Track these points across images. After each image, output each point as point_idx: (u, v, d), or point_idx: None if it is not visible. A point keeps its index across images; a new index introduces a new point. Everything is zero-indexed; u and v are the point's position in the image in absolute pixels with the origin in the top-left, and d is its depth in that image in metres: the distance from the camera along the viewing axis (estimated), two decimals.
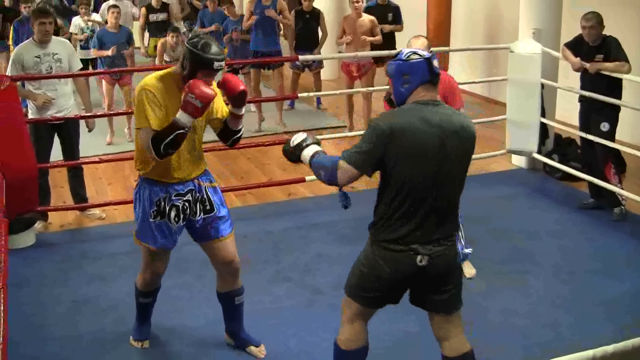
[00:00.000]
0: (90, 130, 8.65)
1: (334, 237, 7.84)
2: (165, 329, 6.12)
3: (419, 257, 4.24)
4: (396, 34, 13.02)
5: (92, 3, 14.66)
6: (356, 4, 11.70)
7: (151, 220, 5.28)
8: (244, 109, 5.28)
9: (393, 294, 4.50)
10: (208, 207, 5.40)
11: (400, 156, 4.14)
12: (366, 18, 11.85)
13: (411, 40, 6.16)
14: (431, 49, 6.16)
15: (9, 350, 3.82)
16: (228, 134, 5.41)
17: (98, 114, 9.36)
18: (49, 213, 8.43)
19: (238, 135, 5.42)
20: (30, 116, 8.17)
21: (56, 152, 8.45)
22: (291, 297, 6.63)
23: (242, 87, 5.09)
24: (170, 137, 4.81)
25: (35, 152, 7.71)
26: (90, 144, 9.91)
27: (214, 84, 5.09)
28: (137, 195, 5.35)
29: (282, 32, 14.00)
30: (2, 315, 4.09)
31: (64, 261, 7.50)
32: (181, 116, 4.82)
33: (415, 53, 4.30)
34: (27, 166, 7.47)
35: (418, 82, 4.25)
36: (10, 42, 13.51)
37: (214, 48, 4.88)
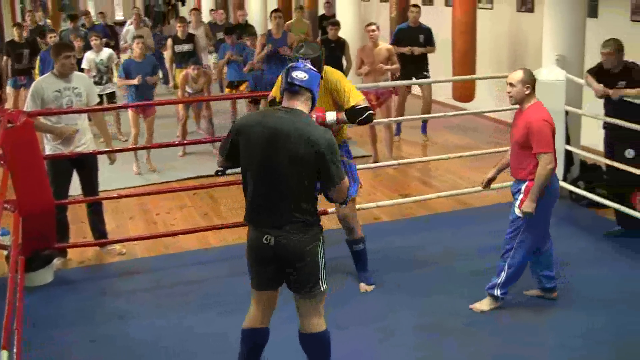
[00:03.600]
0: (112, 163, 8.60)
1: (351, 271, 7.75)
2: None
3: (265, 237, 5.07)
4: (429, 55, 13.06)
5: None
6: (372, 33, 11.70)
7: None
8: (330, 116, 6.41)
9: (264, 274, 5.31)
10: None
11: (241, 148, 5.09)
12: (383, 47, 11.86)
13: None
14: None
15: None
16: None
17: (116, 148, 9.22)
18: (68, 249, 8.34)
19: (361, 119, 6.56)
20: (47, 152, 8.09)
21: (77, 187, 8.40)
22: None
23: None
24: None
25: (53, 189, 7.66)
26: (113, 177, 9.92)
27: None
28: None
29: None
30: (14, 357, 4.05)
31: (82, 299, 7.41)
32: None
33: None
34: (43, 203, 7.43)
35: (282, 90, 5.15)
36: (37, 71, 13.56)
37: (300, 49, 6.31)
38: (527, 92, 6.48)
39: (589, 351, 6.13)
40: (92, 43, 13.22)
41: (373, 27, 11.81)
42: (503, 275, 6.67)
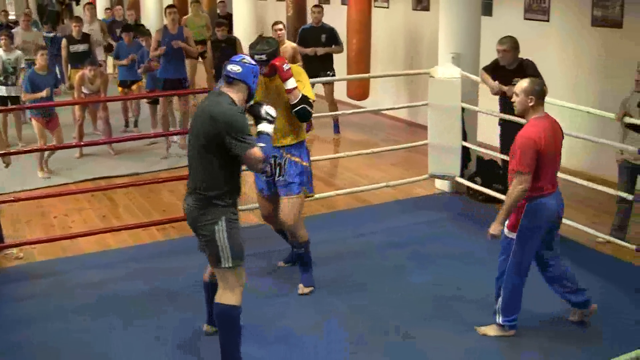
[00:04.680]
0: (6, 166, 8.44)
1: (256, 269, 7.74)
2: None
3: (183, 204, 5.70)
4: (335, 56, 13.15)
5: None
6: (279, 32, 11.80)
7: None
8: (290, 83, 6.61)
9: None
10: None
11: None
12: (288, 45, 12.02)
13: None
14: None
15: None
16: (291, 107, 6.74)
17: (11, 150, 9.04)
18: None
19: (297, 109, 6.69)
20: None
21: None
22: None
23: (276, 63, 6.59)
24: None
25: None
26: (8, 180, 9.77)
27: None
28: None
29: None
30: None
31: None
32: None
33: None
34: None
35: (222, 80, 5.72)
36: None
37: (256, 45, 6.66)
38: (530, 104, 5.99)
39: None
40: (1, 42, 12.91)
41: (280, 26, 11.99)
42: (500, 301, 6.28)
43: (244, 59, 5.70)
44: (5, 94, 12.67)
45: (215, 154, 5.44)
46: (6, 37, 13.00)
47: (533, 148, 5.83)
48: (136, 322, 6.69)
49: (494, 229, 6.03)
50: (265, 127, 5.65)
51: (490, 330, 6.34)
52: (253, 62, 5.74)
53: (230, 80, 5.57)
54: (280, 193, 6.99)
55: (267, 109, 5.72)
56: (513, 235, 6.12)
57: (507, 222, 6.13)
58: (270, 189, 7.11)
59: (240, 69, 5.56)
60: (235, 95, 5.55)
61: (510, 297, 6.22)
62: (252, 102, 5.83)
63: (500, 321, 6.28)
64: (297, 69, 6.96)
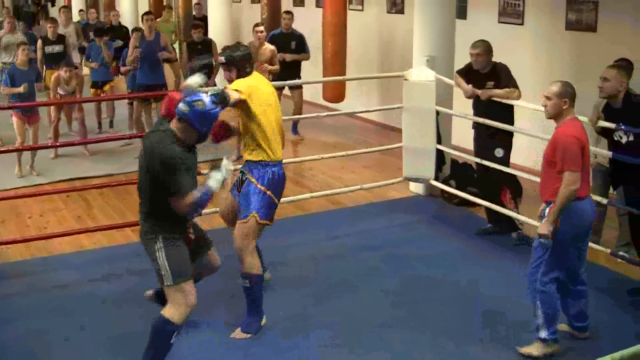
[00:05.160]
0: None
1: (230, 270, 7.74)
2: None
3: None
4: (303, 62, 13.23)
5: None
6: (259, 34, 11.98)
7: None
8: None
9: None
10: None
11: None
12: (267, 47, 12.17)
13: None
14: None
15: None
16: None
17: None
18: None
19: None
20: None
21: None
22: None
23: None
24: None
25: None
26: None
27: None
28: None
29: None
30: None
31: None
32: None
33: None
34: None
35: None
36: None
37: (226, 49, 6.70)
38: (564, 107, 5.91)
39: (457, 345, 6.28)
40: None
41: (261, 28, 12.30)
42: (540, 314, 5.99)
43: (198, 100, 5.52)
44: None
45: (156, 184, 5.48)
46: None
47: (578, 145, 5.75)
48: (111, 322, 6.69)
49: (543, 228, 5.81)
50: (212, 182, 5.55)
51: (534, 349, 6.05)
52: (210, 105, 5.54)
53: (178, 118, 5.53)
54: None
55: (224, 167, 5.67)
56: (547, 242, 5.86)
57: (542, 227, 5.86)
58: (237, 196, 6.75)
59: (187, 109, 5.46)
60: (181, 134, 5.53)
61: (549, 307, 5.97)
62: (214, 159, 6.03)
63: (545, 336, 5.99)
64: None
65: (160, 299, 6.14)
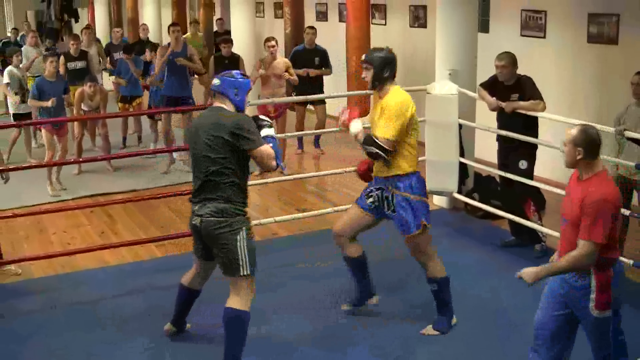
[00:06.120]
0: (5, 182, 8.45)
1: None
2: None
3: (194, 218, 5.86)
4: (325, 77, 13.27)
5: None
6: (272, 49, 11.96)
7: None
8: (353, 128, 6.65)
9: (198, 248, 6.15)
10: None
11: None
12: (281, 60, 12.19)
13: None
14: None
15: None
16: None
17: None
18: None
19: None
20: None
21: None
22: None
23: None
24: None
25: None
26: (6, 196, 9.86)
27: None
28: None
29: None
30: None
31: None
32: None
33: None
34: None
35: None
36: None
37: None
38: (579, 157, 4.93)
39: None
40: (14, 59, 13.26)
41: (273, 42, 12.17)
42: None
43: (229, 73, 6.05)
44: (23, 112, 13.06)
45: (225, 163, 5.73)
46: (19, 55, 13.19)
47: (610, 211, 4.84)
48: (134, 339, 6.68)
49: (529, 274, 5.14)
50: (266, 131, 5.94)
51: None
52: (239, 77, 6.00)
53: (213, 93, 5.99)
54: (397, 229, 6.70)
55: (261, 117, 6.07)
56: (606, 314, 5.02)
57: (591, 304, 4.98)
58: (373, 211, 6.81)
59: (219, 82, 5.92)
60: (225, 105, 5.90)
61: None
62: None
63: None
64: (393, 98, 6.53)
65: (177, 324, 6.63)
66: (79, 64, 13.76)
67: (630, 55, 9.81)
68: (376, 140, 6.34)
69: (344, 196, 10.75)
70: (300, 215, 9.59)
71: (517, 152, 8.47)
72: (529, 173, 8.44)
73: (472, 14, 9.90)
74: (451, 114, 9.20)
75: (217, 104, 5.93)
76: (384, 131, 6.33)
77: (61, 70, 13.80)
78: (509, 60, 8.33)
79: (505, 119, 8.47)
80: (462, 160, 9.50)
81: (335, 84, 14.13)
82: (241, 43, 14.74)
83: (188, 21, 20.43)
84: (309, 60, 13.10)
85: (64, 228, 9.72)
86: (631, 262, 7.54)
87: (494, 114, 8.70)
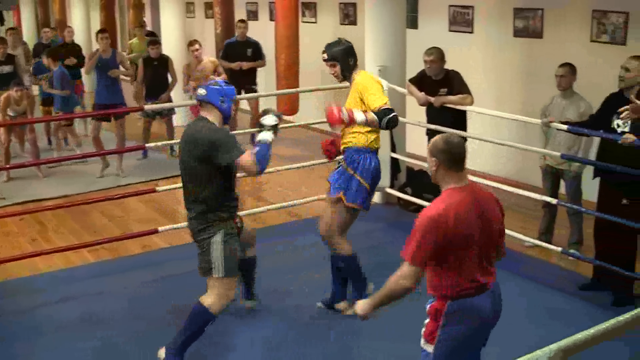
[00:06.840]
0: None
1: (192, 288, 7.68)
2: None
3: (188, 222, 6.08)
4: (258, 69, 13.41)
5: None
6: (195, 52, 11.99)
7: None
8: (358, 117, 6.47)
9: None
10: None
11: None
12: (207, 60, 12.31)
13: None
14: None
15: None
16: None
17: None
18: None
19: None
20: None
21: None
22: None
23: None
24: None
25: None
26: None
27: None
28: None
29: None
30: None
31: None
32: None
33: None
34: None
35: None
36: None
37: None
38: (433, 168, 4.47)
39: None
40: None
41: (196, 46, 12.31)
42: None
43: (214, 82, 6.16)
44: None
45: (205, 174, 5.82)
46: None
47: (428, 230, 4.34)
48: (68, 346, 6.60)
49: (361, 306, 4.71)
50: (264, 135, 5.98)
51: None
52: (223, 85, 6.08)
53: (200, 104, 6.01)
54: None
55: (271, 117, 6.11)
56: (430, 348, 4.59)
57: (422, 330, 4.66)
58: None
59: (205, 92, 5.94)
60: (210, 116, 5.94)
61: None
62: (264, 109, 6.28)
63: None
64: (365, 79, 6.85)
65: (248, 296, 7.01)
66: (6, 69, 13.48)
67: (555, 48, 9.95)
68: (379, 110, 6.45)
69: (278, 194, 10.75)
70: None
71: None
72: None
73: (401, 11, 9.97)
74: None
75: (203, 113, 5.98)
76: (378, 100, 6.54)
77: None
78: (438, 55, 8.41)
79: (434, 114, 8.55)
80: (394, 155, 9.55)
81: (264, 83, 14.19)
82: (171, 44, 14.69)
83: (118, 26, 20.10)
84: (242, 52, 13.17)
85: None
86: (559, 249, 7.73)
87: (424, 108, 8.76)
